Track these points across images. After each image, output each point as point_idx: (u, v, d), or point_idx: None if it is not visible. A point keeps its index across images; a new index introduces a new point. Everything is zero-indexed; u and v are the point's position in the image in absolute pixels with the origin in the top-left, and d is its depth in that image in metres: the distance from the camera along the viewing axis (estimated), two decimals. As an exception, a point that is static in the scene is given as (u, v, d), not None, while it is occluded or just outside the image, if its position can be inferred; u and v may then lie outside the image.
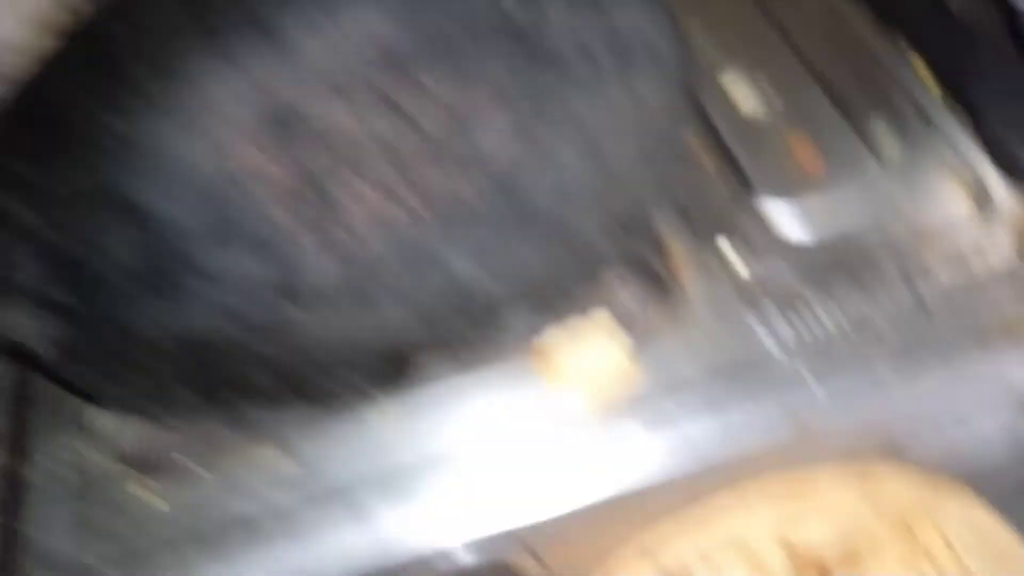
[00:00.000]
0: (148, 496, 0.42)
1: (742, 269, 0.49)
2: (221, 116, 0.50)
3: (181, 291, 0.43)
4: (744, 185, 0.52)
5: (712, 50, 0.59)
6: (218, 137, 0.50)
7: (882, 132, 0.54)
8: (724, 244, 0.50)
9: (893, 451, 0.47)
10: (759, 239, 0.50)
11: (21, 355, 0.42)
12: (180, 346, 0.42)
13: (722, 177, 0.53)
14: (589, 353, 0.46)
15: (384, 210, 0.48)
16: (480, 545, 0.42)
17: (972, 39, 0.56)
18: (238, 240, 0.46)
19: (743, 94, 0.57)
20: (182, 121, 0.51)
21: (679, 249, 0.50)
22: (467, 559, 0.42)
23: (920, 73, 0.57)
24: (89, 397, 0.43)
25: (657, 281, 0.48)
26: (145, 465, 0.43)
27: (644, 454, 0.44)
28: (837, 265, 0.49)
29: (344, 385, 0.40)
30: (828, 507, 0.47)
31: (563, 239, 0.44)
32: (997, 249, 0.48)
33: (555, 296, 0.43)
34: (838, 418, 0.45)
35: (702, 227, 0.51)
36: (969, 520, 0.48)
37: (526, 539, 0.43)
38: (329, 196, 0.49)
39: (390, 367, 0.41)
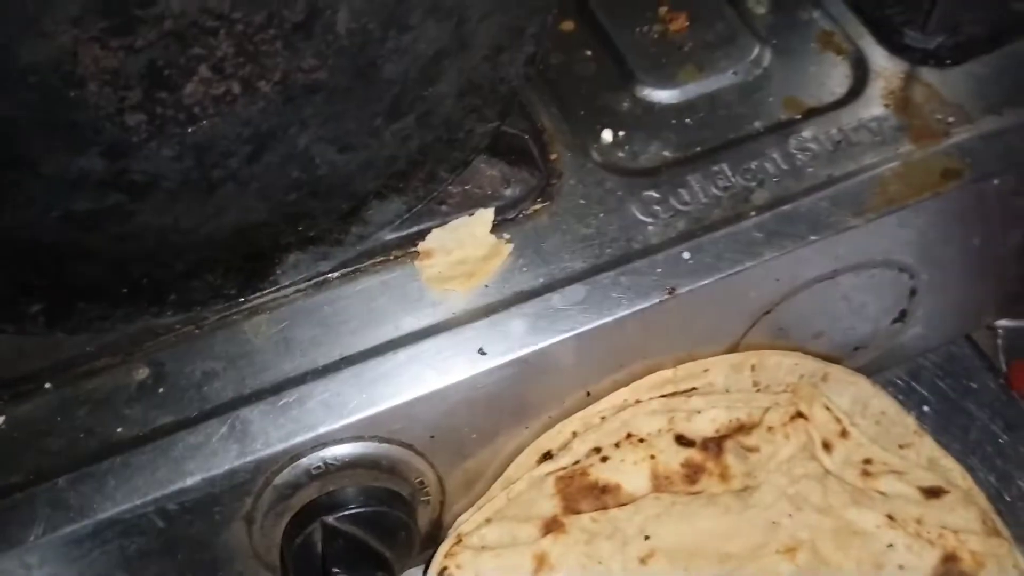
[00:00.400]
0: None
1: (618, 152, 0.48)
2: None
3: (14, 193, 0.39)
4: (620, 66, 0.51)
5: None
6: (47, 27, 0.45)
7: (758, 6, 0.53)
8: (602, 129, 0.49)
9: (775, 327, 0.48)
10: (635, 120, 0.49)
11: None
12: (18, 253, 0.38)
13: (599, 61, 0.52)
14: (470, 251, 0.44)
15: (225, 90, 0.45)
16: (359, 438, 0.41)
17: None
18: (73, 135, 0.42)
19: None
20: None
21: (556, 136, 0.48)
22: (343, 455, 0.41)
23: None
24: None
25: (535, 170, 0.47)
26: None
27: (526, 344, 0.42)
28: (711, 138, 0.48)
29: (203, 288, 0.38)
30: (718, 393, 0.47)
31: (427, 123, 0.42)
32: (874, 117, 0.48)
33: (424, 186, 0.41)
34: (711, 284, 0.44)
35: (579, 112, 0.50)
36: (853, 392, 0.49)
37: (406, 436, 0.42)
38: (165, 80, 0.46)
39: (250, 265, 0.38)
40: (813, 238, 0.44)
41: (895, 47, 0.51)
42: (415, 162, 0.41)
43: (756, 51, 0.51)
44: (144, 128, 0.47)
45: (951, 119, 0.48)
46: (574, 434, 0.46)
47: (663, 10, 0.53)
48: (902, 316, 0.51)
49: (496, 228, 0.45)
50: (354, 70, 0.48)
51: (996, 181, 0.46)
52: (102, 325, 0.38)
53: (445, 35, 0.47)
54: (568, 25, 0.54)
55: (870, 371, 0.51)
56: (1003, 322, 0.59)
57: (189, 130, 0.47)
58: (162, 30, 0.51)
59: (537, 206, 0.46)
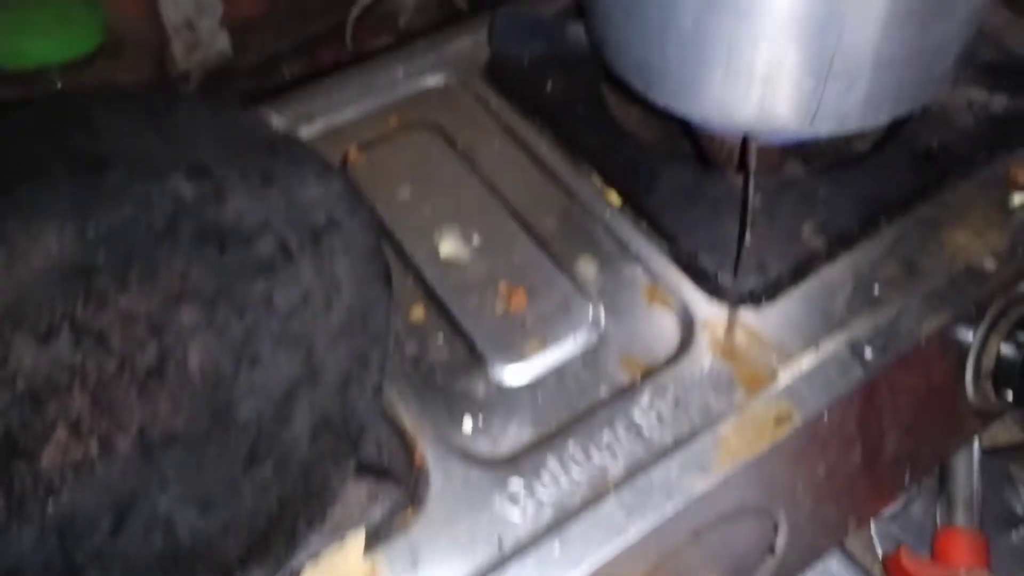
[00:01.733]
0: None
1: (480, 441, 0.50)
2: None
3: None
4: (471, 349, 0.53)
5: (428, 215, 0.60)
6: None
7: (586, 269, 0.57)
8: (462, 417, 0.51)
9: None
10: (492, 404, 0.51)
11: None
12: None
13: (451, 346, 0.54)
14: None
15: (84, 452, 0.46)
16: None
17: (649, 155, 0.62)
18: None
19: (459, 254, 0.58)
20: None
21: (419, 433, 0.50)
22: None
23: (614, 203, 0.60)
24: None
25: (401, 478, 0.48)
26: None
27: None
28: (563, 413, 0.50)
29: None
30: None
31: (284, 469, 0.43)
32: (706, 369, 0.51)
33: (285, 546, 0.42)
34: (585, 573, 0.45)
35: (439, 402, 0.51)
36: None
37: None
38: (22, 448, 0.46)
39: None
40: (670, 507, 0.47)
41: (713, 293, 0.55)
42: (275, 518, 0.42)
43: (591, 314, 0.54)
44: (3, 509, 0.47)
45: (774, 357, 0.52)
46: None
47: (502, 287, 0.57)
48: (771, 549, 0.54)
49: (369, 547, 0.46)
50: (210, 413, 0.49)
51: (824, 417, 0.50)
52: None
53: (296, 366, 0.49)
54: (418, 313, 0.56)
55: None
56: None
57: (50, 504, 0.47)
58: (15, 392, 0.51)
59: (407, 516, 0.47)
